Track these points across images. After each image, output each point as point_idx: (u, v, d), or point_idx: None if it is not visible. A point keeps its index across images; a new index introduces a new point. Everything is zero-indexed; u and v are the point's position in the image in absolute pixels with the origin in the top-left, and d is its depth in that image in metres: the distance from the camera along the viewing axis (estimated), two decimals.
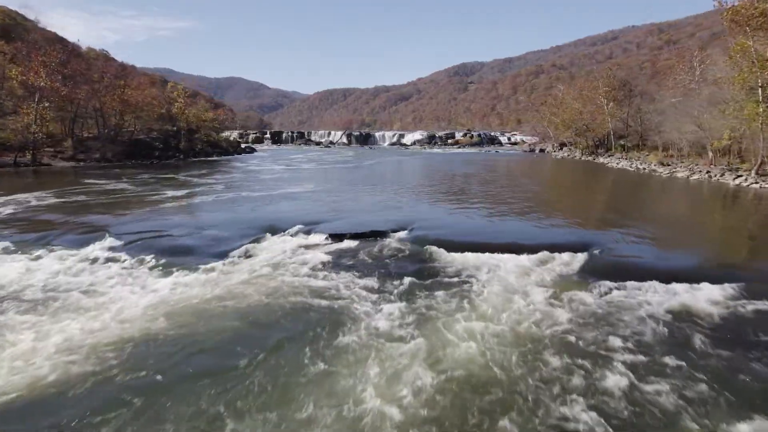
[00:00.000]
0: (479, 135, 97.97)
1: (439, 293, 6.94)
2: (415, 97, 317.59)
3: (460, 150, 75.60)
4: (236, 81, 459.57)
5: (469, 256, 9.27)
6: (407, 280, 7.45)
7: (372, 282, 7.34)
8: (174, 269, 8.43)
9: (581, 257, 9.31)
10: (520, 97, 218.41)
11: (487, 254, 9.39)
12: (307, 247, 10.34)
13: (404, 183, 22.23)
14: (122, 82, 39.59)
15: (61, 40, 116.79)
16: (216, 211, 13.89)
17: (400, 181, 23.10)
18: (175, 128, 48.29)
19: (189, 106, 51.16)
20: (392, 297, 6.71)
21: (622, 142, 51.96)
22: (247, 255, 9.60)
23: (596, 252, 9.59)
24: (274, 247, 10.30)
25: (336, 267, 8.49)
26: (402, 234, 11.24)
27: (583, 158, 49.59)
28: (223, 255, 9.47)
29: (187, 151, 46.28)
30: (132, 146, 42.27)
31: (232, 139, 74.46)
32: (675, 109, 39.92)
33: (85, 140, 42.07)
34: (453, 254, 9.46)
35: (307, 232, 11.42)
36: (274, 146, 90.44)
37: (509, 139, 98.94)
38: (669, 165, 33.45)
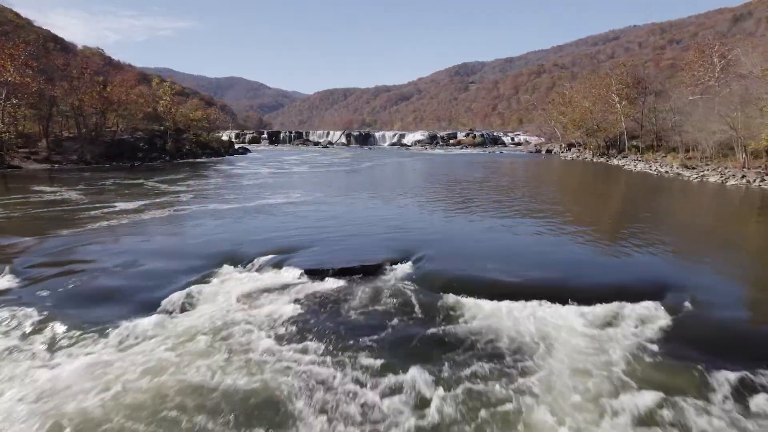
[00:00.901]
0: (482, 135, 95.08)
1: (468, 413, 4.04)
2: (415, 97, 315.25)
3: (463, 151, 72.75)
4: (236, 81, 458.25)
5: (506, 309, 6.41)
6: (413, 377, 4.55)
7: (354, 385, 4.45)
8: (62, 336, 5.60)
9: (665, 309, 6.47)
10: (521, 96, 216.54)
11: (530, 305, 6.54)
12: (273, 290, 7.47)
13: (406, 191, 19.35)
14: (101, 78, 36.69)
15: (55, 38, 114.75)
16: (166, 233, 10.87)
17: (402, 189, 20.22)
18: (162, 128, 45.46)
19: (178, 105, 48.34)
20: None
21: (635, 143, 49.19)
22: (184, 306, 6.74)
23: (682, 301, 6.73)
24: (227, 290, 7.44)
25: (304, 336, 5.62)
26: (406, 267, 8.38)
27: (594, 160, 46.69)
28: (150, 306, 6.62)
29: (173, 152, 43.40)
30: (114, 147, 39.43)
31: (226, 139, 71.72)
32: (697, 107, 37.13)
33: (65, 140, 39.26)
34: (482, 304, 6.61)
35: (278, 265, 8.57)
36: (271, 146, 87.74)
37: (512, 139, 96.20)
38: (694, 168, 30.56)
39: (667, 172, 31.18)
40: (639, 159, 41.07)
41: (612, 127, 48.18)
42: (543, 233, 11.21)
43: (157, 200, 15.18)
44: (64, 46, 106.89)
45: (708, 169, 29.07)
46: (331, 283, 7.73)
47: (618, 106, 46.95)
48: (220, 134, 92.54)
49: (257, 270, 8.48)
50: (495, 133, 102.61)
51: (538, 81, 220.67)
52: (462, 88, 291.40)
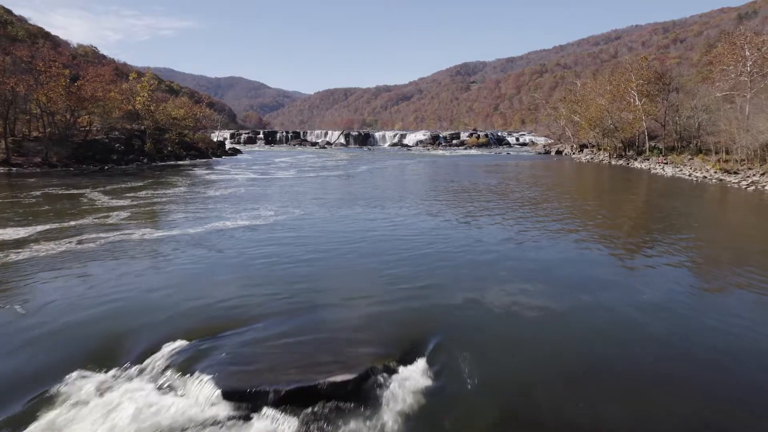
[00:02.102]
0: (486, 135, 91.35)
1: None
2: (416, 97, 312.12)
3: (468, 152, 68.91)
4: (237, 81, 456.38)
5: None
6: None
7: None
8: None
9: None
10: (524, 96, 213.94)
11: None
12: None
13: (410, 207, 15.42)
14: (67, 71, 32.77)
15: (47, 35, 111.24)
16: (18, 294, 6.79)
17: (405, 204, 16.25)
18: (143, 127, 41.64)
19: (161, 102, 44.55)
20: None
21: (653, 144, 45.52)
22: None
23: None
24: None
25: None
26: (417, 377, 4.61)
27: (613, 162, 42.83)
28: None
29: (152, 154, 39.56)
30: (84, 148, 35.65)
31: (220, 139, 67.88)
32: (732, 104, 33.28)
33: (29, 141, 35.50)
34: None
35: (185, 368, 4.76)
36: (267, 147, 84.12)
37: (517, 139, 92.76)
38: (736, 173, 26.76)
39: (705, 177, 27.32)
40: (664, 162, 37.22)
41: (630, 126, 44.27)
42: (633, 285, 7.38)
43: (71, 223, 11.23)
44: (56, 44, 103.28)
45: (755, 174, 25.27)
46: (269, 427, 3.92)
47: (638, 103, 43.07)
48: (214, 134, 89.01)
49: (145, 378, 4.66)
50: (499, 133, 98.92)
51: (540, 80, 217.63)
52: (463, 87, 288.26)
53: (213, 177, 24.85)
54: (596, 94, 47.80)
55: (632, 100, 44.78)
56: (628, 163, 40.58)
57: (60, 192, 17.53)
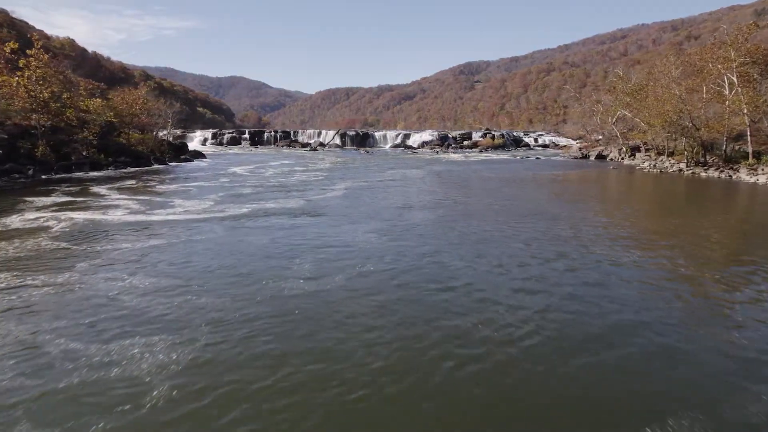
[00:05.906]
0: (502, 135, 79.25)
1: None
2: (419, 97, 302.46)
3: (485, 155, 56.59)
4: (238, 80, 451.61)
5: None
6: None
7: None
8: None
9: None
10: (530, 95, 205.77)
11: None
12: None
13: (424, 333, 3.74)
14: None
15: (12, 23, 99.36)
16: None
17: (408, 326, 4.52)
18: (49, 124, 29.66)
19: (71, 86, 32.62)
20: None
21: (738, 146, 33.59)
22: None
23: None
24: None
25: None
26: None
27: (705, 174, 30.46)
28: None
29: (48, 161, 27.65)
30: None
31: (199, 139, 56.38)
32: None
33: None
34: None
35: None
36: (250, 149, 72.22)
37: (536, 140, 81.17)
38: None
39: None
40: None
41: (719, 124, 32.01)
42: None
43: None
44: (20, 31, 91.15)
45: None
46: None
47: (736, 90, 30.85)
48: (194, 133, 77.33)
49: None
50: (515, 133, 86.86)
51: (548, 79, 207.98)
52: (467, 87, 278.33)
53: (31, 218, 12.55)
54: (669, 79, 35.46)
55: (721, 87, 32.67)
56: (728, 176, 28.24)
57: None
